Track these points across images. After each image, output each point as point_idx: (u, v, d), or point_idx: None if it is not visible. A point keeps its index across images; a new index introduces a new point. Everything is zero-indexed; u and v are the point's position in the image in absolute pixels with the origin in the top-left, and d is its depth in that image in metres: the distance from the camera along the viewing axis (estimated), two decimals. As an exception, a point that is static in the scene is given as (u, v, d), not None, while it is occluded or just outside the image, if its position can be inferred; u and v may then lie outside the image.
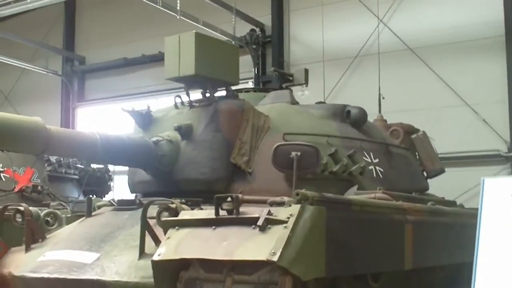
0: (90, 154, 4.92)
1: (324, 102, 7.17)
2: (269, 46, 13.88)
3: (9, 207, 5.14)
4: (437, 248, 4.92)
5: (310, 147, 4.66)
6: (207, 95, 5.53)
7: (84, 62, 17.19)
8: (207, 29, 12.15)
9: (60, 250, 4.57)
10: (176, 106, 5.66)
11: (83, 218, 5.12)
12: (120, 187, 11.67)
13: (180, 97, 5.69)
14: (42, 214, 5.23)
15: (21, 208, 5.00)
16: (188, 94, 5.59)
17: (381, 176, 5.85)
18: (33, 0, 12.54)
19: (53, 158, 9.87)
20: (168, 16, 12.16)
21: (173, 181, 5.37)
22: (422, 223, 4.67)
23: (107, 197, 10.68)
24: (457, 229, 5.25)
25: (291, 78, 7.39)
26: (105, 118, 16.03)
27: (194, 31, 5.39)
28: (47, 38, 17.15)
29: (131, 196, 5.82)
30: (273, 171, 5.15)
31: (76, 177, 10.36)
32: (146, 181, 5.58)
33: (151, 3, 11.46)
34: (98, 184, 10.87)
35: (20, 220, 5.05)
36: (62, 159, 10.21)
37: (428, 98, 11.91)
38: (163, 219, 3.93)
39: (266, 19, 13.89)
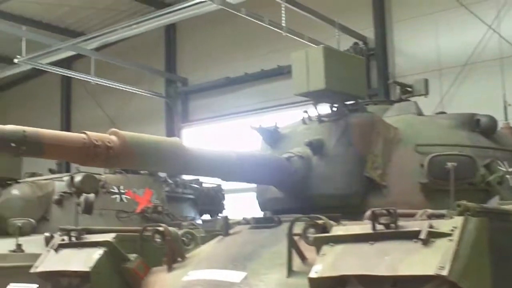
0: (226, 173, 4.95)
1: (444, 112, 7.03)
2: (373, 59, 13.77)
3: (148, 227, 5.23)
4: None
5: (466, 157, 4.58)
6: (336, 109, 5.48)
7: (187, 83, 17.54)
8: (312, 45, 12.16)
9: (204, 270, 4.59)
10: (304, 121, 5.63)
11: (220, 237, 5.14)
12: (231, 205, 11.86)
13: (307, 112, 5.66)
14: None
15: (161, 229, 5.06)
16: (316, 109, 5.56)
17: (517, 185, 5.65)
18: (138, 26, 12.94)
19: (170, 179, 10.12)
20: (272, 34, 12.27)
21: (306, 197, 5.33)
22: None
23: (221, 216, 10.81)
24: None
25: (410, 89, 7.25)
26: (210, 137, 16.27)
27: (322, 45, 5.37)
28: (150, 61, 17.62)
29: (254, 214, 5.83)
30: (408, 183, 5.04)
31: (192, 196, 10.55)
32: (278, 198, 5.56)
33: (257, 22, 11.56)
34: (212, 203, 11.05)
35: (159, 240, 5.11)
36: (178, 179, 10.45)
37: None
38: (314, 235, 3.88)
39: (369, 32, 13.81)
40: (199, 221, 10.17)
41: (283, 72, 14.58)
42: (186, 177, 11.06)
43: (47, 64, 15.85)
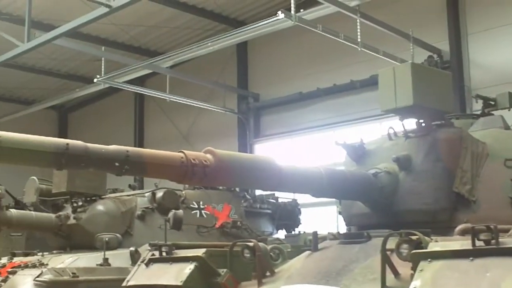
0: (316, 189, 5.01)
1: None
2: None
3: (238, 243, 5.32)
4: None
5: None
6: (423, 124, 5.47)
7: (258, 98, 17.69)
8: (387, 59, 12.14)
9: (295, 285, 4.64)
10: (389, 137, 5.65)
11: (308, 252, 5.18)
12: (307, 220, 11.88)
13: (393, 128, 5.67)
14: (267, 249, 5.37)
15: (250, 244, 5.15)
16: (403, 125, 5.57)
17: None
18: (213, 44, 13.16)
19: (247, 194, 10.23)
20: (344, 48, 12.31)
21: (393, 213, 5.34)
22: None
23: (297, 230, 10.86)
24: None
25: (493, 103, 7.16)
26: (282, 152, 16.34)
27: (410, 61, 5.39)
28: (222, 78, 17.87)
29: (335, 228, 5.87)
30: (497, 198, 5.00)
31: (269, 211, 10.63)
32: (364, 213, 5.58)
33: (333, 37, 11.62)
34: (289, 218, 11.09)
35: (249, 255, 5.19)
36: (256, 194, 10.56)
37: None
38: (412, 251, 3.89)
39: (444, 45, 13.69)
40: (276, 235, 10.24)
41: (355, 86, 14.60)
42: (263, 192, 11.17)
43: (123, 82, 16.27)
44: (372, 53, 12.23)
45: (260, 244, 5.17)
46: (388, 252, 4.18)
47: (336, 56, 14.43)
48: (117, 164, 4.08)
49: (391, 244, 4.20)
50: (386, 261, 4.14)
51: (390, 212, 5.36)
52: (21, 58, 16.19)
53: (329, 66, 15.01)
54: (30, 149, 4.00)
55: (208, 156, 4.34)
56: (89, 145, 4.12)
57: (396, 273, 4.13)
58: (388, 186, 5.32)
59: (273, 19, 11.52)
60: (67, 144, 4.06)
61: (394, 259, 4.15)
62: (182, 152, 4.24)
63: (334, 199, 6.48)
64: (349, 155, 5.89)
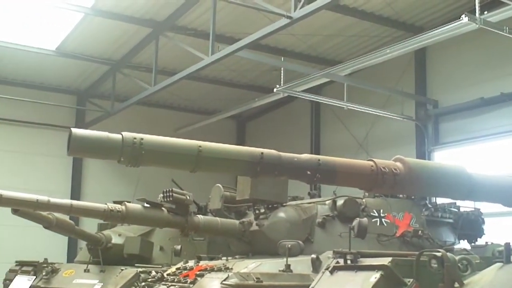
0: (508, 198, 4.84)
1: None
2: None
3: (425, 252, 5.25)
4: None
5: None
6: None
7: (437, 105, 17.26)
8: None
9: (488, 298, 4.51)
10: None
11: (500, 264, 5.00)
12: (491, 230, 11.40)
13: None
14: (455, 260, 5.24)
15: (438, 254, 5.06)
16: None
17: None
18: (391, 50, 13.04)
19: (428, 203, 10.01)
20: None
21: None
22: None
23: (479, 241, 10.46)
24: None
25: None
26: (463, 160, 15.81)
27: None
28: (399, 84, 17.64)
29: None
30: None
31: (451, 220, 10.32)
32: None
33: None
34: (471, 228, 10.69)
35: (436, 265, 5.10)
36: (437, 202, 10.31)
37: None
38: None
39: None
40: (458, 246, 9.93)
41: (543, 90, 13.87)
42: (444, 200, 10.88)
43: (301, 91, 16.56)
44: None
45: (449, 254, 5.07)
46: None
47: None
48: (309, 172, 4.20)
49: None
50: None
51: None
52: (203, 71, 16.98)
53: (514, 69, 14.36)
54: (227, 158, 4.23)
55: (398, 164, 4.34)
56: (282, 154, 4.28)
57: None
58: None
59: (456, 23, 11.22)
60: (262, 153, 4.25)
61: None
62: (372, 160, 4.28)
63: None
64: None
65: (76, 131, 4.04)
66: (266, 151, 4.30)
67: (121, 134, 4.07)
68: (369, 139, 19.00)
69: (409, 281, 5.08)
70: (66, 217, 13.24)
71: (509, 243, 5.06)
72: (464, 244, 9.44)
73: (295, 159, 4.28)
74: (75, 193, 21.24)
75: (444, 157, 16.91)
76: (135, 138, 4.09)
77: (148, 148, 4.10)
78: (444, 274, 4.95)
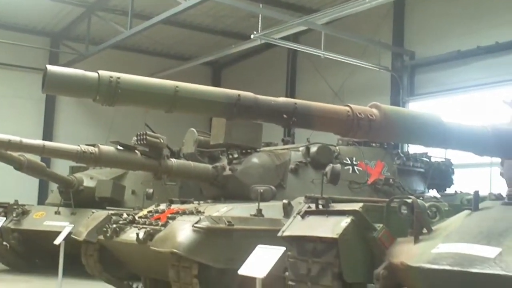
0: (481, 147, 4.88)
1: None
2: None
3: (395, 199, 5.32)
4: None
5: None
6: None
7: (414, 56, 17.28)
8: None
9: (454, 243, 4.56)
10: None
11: (468, 211, 5.08)
12: (460, 181, 11.60)
13: None
14: (425, 206, 5.31)
15: (409, 200, 5.12)
16: None
17: None
18: (370, 0, 12.96)
19: (400, 152, 10.14)
20: (509, 4, 11.69)
21: None
22: None
23: (448, 191, 10.65)
24: None
25: None
26: (437, 111, 15.90)
27: None
28: (377, 35, 17.60)
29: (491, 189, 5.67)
30: None
31: (422, 170, 10.48)
32: (529, 175, 5.37)
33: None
34: (442, 178, 10.89)
35: (406, 211, 5.17)
36: (409, 152, 10.43)
37: None
38: None
39: None
40: (428, 194, 10.08)
41: (521, 44, 13.93)
42: (416, 150, 11.00)
43: (278, 39, 16.42)
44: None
45: (419, 201, 5.13)
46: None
47: (499, 12, 13.72)
48: (285, 116, 4.20)
49: None
50: (554, 224, 4.01)
51: (560, 175, 5.13)
52: (180, 15, 16.73)
53: (491, 23, 14.31)
54: (204, 99, 4.22)
55: (374, 110, 4.35)
56: (259, 96, 4.27)
57: None
58: (561, 147, 5.09)
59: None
60: (239, 95, 4.24)
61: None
62: (348, 105, 4.28)
63: (489, 162, 6.25)
64: (517, 115, 5.66)
65: (51, 67, 3.97)
66: (243, 93, 4.28)
67: (97, 73, 4.02)
68: (344, 89, 18.98)
69: (379, 226, 5.14)
70: (37, 159, 13.21)
71: (478, 191, 5.14)
72: (433, 193, 9.58)
73: (272, 102, 4.27)
74: (47, 136, 20.99)
75: (419, 108, 16.98)
76: (111, 77, 4.03)
77: (125, 87, 4.06)
78: (414, 220, 5.01)
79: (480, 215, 4.91)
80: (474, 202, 5.05)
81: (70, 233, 10.14)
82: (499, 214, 4.75)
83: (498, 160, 5.86)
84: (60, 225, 11.81)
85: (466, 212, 5.11)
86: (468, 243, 4.48)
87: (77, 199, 13.41)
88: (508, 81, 14.38)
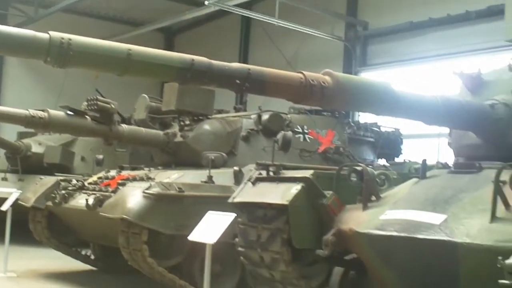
0: (430, 116, 4.95)
1: None
2: None
3: (345, 166, 5.38)
4: None
5: None
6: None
7: (367, 27, 17.36)
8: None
9: (401, 210, 4.66)
10: (510, 68, 5.45)
11: (416, 179, 5.17)
12: (408, 151, 11.80)
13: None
14: (374, 174, 5.38)
15: (359, 168, 5.19)
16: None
17: None
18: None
19: (351, 121, 10.23)
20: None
21: (507, 145, 5.21)
22: None
23: (397, 160, 10.81)
24: None
25: None
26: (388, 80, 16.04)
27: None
28: (332, 4, 17.61)
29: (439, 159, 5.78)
30: None
31: (372, 139, 10.61)
32: (476, 144, 5.45)
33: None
34: (391, 147, 11.05)
35: (355, 179, 5.24)
36: (359, 121, 10.52)
37: None
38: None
39: None
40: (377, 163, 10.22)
41: (471, 17, 14.09)
42: (367, 120, 11.12)
43: (233, 5, 16.28)
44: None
45: (368, 169, 5.20)
46: (500, 184, 4.15)
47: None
48: (238, 81, 4.18)
49: (503, 176, 4.16)
50: (498, 192, 4.10)
51: (505, 145, 5.23)
52: (132, -21, 16.44)
53: (444, -6, 14.48)
54: (157, 63, 4.17)
55: (327, 77, 4.36)
56: (213, 61, 4.24)
57: (507, 205, 4.09)
58: (504, 119, 5.18)
59: None
60: (193, 60, 4.21)
61: (506, 191, 4.11)
62: (301, 72, 4.28)
63: (437, 133, 6.34)
64: (465, 85, 5.74)
65: (1, 27, 3.87)
66: (197, 57, 4.25)
67: (48, 33, 3.93)
68: (297, 57, 18.97)
69: (328, 193, 5.20)
70: (-16, 124, 12.92)
71: (426, 160, 5.23)
72: (383, 162, 9.72)
73: (225, 67, 4.24)
74: (-5, 101, 20.62)
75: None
76: (63, 38, 3.94)
77: (76, 49, 3.98)
78: (363, 187, 5.08)
79: (427, 183, 5.01)
80: (421, 171, 5.15)
81: (17, 199, 9.96)
82: (446, 182, 4.85)
83: (446, 130, 5.99)
84: (7, 191, 11.58)
85: (414, 180, 5.20)
86: (415, 210, 4.58)
87: (25, 165, 13.19)
88: (459, 53, 14.57)
